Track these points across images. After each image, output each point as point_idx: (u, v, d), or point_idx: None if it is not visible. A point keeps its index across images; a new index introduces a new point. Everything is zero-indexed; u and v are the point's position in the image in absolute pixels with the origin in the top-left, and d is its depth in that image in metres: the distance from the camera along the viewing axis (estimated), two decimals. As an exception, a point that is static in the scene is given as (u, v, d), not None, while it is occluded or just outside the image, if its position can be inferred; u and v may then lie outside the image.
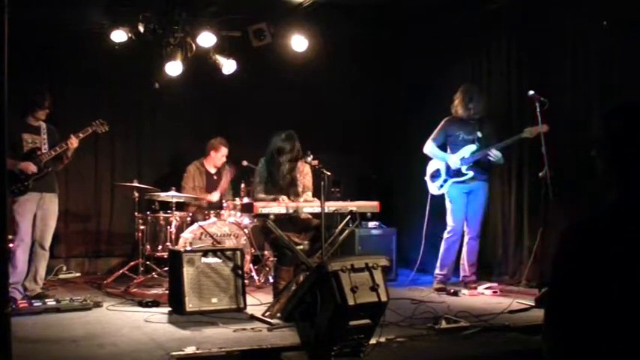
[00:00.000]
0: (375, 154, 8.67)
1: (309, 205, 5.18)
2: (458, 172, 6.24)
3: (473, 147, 6.21)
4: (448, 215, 6.32)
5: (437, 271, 6.33)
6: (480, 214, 6.28)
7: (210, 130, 7.44)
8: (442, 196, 6.40)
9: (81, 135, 5.78)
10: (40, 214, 5.70)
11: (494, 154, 6.03)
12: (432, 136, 6.40)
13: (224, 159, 7.25)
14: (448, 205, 6.33)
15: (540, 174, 5.45)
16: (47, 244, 5.79)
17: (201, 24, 6.80)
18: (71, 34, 7.10)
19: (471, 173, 6.19)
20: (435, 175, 6.43)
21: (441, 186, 6.34)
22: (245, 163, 7.16)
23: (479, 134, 6.22)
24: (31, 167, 5.55)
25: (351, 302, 3.55)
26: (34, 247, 5.72)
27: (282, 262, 5.30)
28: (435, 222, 6.58)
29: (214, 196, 7.09)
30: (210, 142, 7.24)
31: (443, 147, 6.41)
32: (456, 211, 6.26)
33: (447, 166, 6.31)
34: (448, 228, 6.30)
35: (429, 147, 6.41)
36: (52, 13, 6.62)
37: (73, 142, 5.70)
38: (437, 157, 6.40)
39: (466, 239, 6.29)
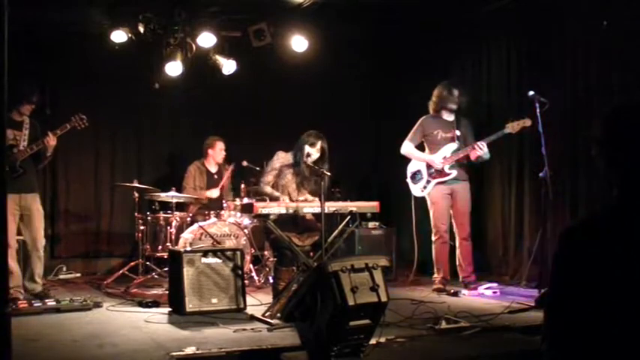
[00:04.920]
0: (375, 154, 8.67)
1: (309, 205, 5.17)
2: (440, 173, 6.20)
3: (454, 145, 6.19)
4: (432, 218, 6.25)
5: (434, 275, 6.32)
6: (466, 214, 6.23)
7: (210, 130, 7.44)
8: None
9: (59, 132, 5.59)
10: (24, 216, 5.57)
11: (481, 146, 5.99)
12: (409, 137, 6.34)
13: (223, 153, 7.27)
14: (431, 207, 6.26)
15: (540, 174, 5.45)
16: (40, 244, 5.67)
17: (201, 24, 6.80)
18: (71, 34, 7.10)
19: (454, 172, 6.16)
20: (416, 176, 6.37)
21: (425, 187, 6.27)
22: (245, 163, 7.18)
23: (457, 132, 6.21)
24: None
25: (351, 302, 3.55)
26: (27, 250, 5.66)
27: (282, 262, 5.30)
28: (429, 222, 6.55)
29: (213, 193, 7.09)
30: (204, 143, 7.28)
31: (420, 147, 6.38)
32: (440, 213, 6.19)
33: (428, 167, 6.27)
34: (434, 230, 6.24)
35: (407, 148, 6.34)
36: (52, 13, 6.62)
37: (50, 140, 5.52)
38: (416, 158, 6.35)
39: (458, 241, 6.23)
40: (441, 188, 6.20)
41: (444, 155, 6.18)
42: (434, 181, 6.23)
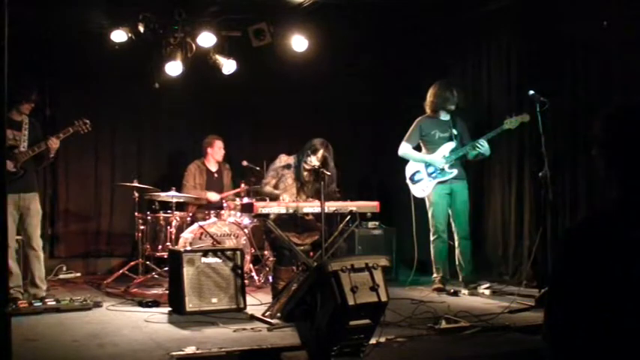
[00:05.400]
0: (374, 154, 8.66)
1: (309, 205, 5.18)
2: (440, 172, 6.18)
3: (452, 144, 6.18)
4: (430, 218, 6.25)
5: (434, 275, 6.32)
6: (466, 214, 6.23)
7: (210, 131, 7.45)
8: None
9: (61, 136, 5.58)
10: (23, 216, 5.54)
11: (482, 143, 5.98)
12: (406, 138, 6.32)
13: (222, 151, 7.28)
14: (430, 207, 6.25)
15: (540, 174, 5.45)
16: (36, 243, 5.62)
17: (201, 24, 6.80)
18: (71, 34, 7.10)
19: (455, 171, 6.15)
20: (415, 177, 6.35)
21: (426, 187, 6.25)
22: (245, 163, 7.18)
23: (454, 132, 6.20)
24: (8, 164, 5.20)
25: (351, 302, 3.55)
26: (25, 249, 5.64)
27: (281, 262, 5.31)
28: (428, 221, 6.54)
29: (214, 196, 7.09)
30: (203, 142, 7.29)
31: (417, 148, 6.37)
32: (439, 212, 6.19)
33: (427, 167, 6.26)
34: (432, 230, 6.24)
35: (404, 149, 6.31)
36: (52, 12, 6.62)
37: (53, 143, 5.51)
38: (414, 159, 6.33)
39: (457, 240, 6.22)
40: (441, 188, 6.19)
41: (443, 154, 6.18)
42: (434, 182, 6.21)
